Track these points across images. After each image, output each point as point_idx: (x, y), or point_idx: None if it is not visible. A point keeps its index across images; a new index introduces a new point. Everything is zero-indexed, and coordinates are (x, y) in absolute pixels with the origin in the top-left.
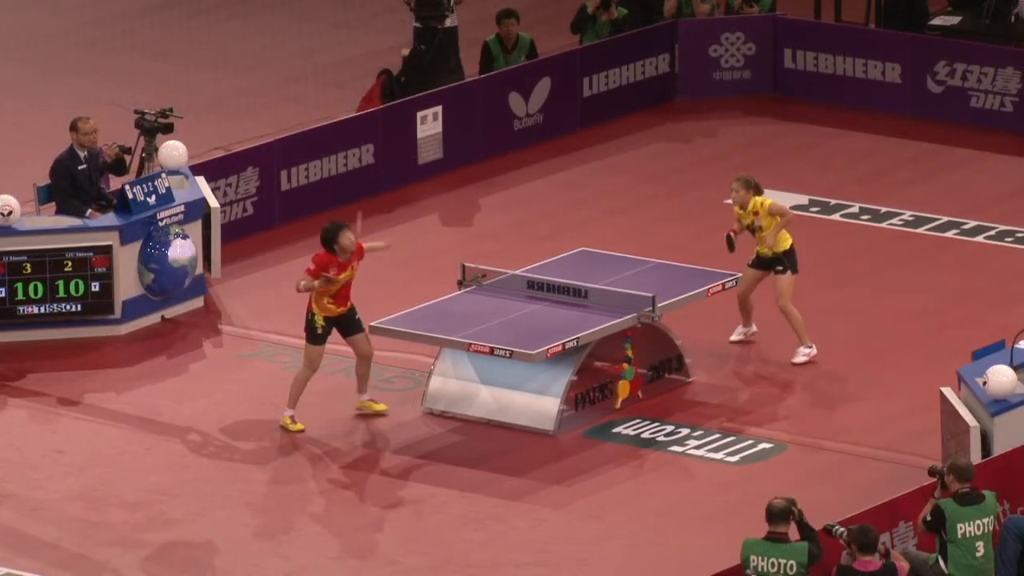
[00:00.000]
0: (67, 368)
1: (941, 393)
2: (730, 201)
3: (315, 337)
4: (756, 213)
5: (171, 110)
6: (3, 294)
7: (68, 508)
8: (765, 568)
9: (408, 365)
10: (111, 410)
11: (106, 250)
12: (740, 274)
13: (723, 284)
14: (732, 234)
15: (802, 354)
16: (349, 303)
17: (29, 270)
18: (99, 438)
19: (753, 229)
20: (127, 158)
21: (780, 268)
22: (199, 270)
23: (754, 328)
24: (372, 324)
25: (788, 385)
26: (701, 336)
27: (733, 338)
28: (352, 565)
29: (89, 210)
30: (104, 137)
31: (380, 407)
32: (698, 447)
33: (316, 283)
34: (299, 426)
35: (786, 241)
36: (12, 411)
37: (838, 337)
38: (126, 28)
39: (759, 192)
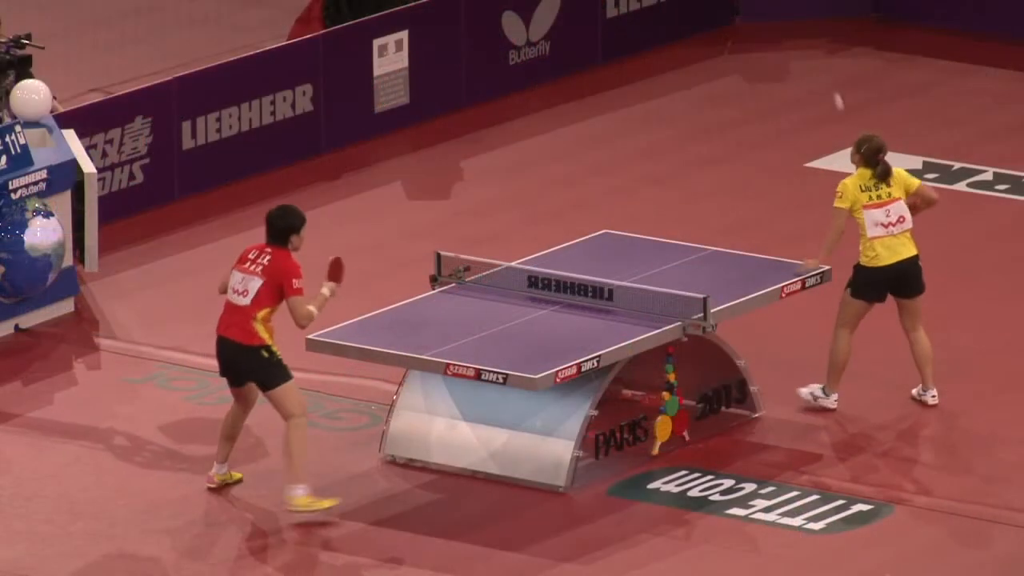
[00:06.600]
0: None
1: None
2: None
3: (287, 371)
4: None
5: (28, 37)
6: None
7: None
8: None
9: (362, 395)
10: None
11: None
12: (827, 267)
13: (803, 281)
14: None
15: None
16: None
17: None
18: None
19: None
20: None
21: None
22: (68, 261)
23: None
24: (309, 337)
25: (894, 423)
26: (771, 354)
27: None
28: None
29: None
30: None
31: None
32: (768, 509)
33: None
34: (327, 502)
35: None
36: None
37: (964, 356)
38: None
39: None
